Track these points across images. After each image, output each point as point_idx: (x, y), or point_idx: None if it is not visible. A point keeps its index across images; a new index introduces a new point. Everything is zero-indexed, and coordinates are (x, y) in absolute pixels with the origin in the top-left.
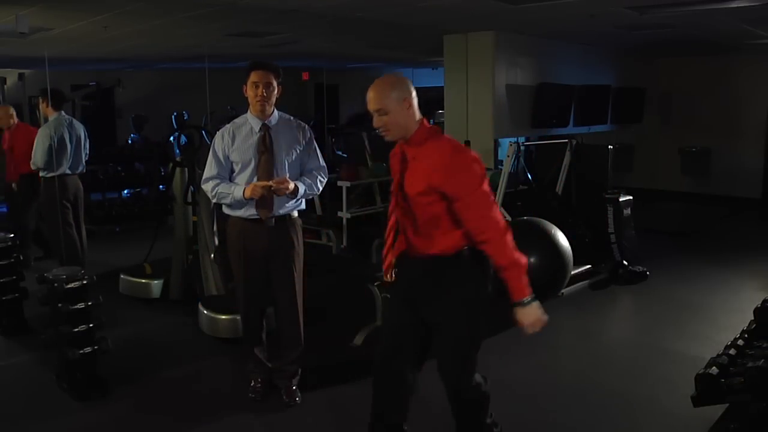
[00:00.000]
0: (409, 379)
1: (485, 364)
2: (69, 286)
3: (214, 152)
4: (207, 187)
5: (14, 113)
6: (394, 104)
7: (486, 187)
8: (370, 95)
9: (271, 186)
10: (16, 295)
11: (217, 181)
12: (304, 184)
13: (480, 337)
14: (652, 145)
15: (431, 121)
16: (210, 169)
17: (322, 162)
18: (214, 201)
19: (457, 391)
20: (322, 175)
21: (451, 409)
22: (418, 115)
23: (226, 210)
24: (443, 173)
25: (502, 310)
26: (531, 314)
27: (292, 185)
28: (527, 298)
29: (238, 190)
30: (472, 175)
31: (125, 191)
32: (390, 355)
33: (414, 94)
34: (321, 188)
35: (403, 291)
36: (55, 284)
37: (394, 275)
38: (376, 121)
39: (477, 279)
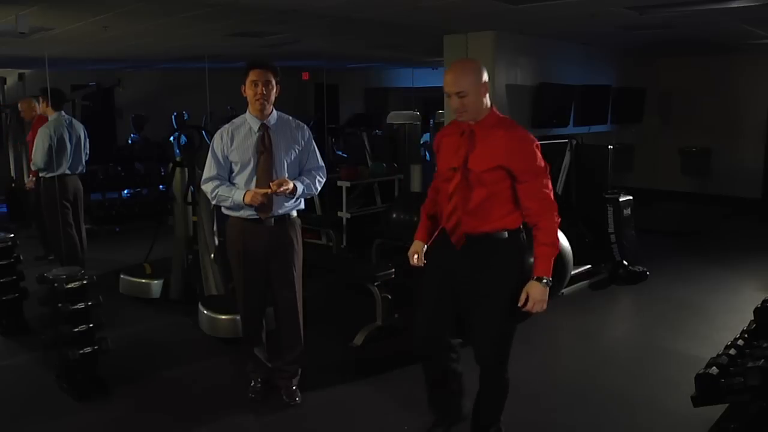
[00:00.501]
0: (449, 343)
1: None
2: (69, 286)
3: (213, 153)
4: (206, 188)
5: (36, 106)
6: (474, 87)
7: (547, 173)
8: (450, 78)
9: (269, 192)
10: (16, 295)
11: (217, 182)
12: (302, 183)
13: (517, 316)
14: (652, 145)
15: (431, 121)
16: (209, 169)
17: (320, 162)
18: (213, 203)
19: (492, 371)
20: (321, 174)
21: (477, 398)
22: (488, 99)
23: (225, 210)
24: (514, 156)
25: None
26: (542, 293)
27: (291, 185)
28: (546, 279)
29: (237, 194)
30: (539, 162)
31: (125, 191)
32: (429, 326)
33: (488, 79)
34: (320, 188)
35: (443, 267)
36: (55, 284)
37: (424, 259)
38: (455, 103)
39: (520, 259)
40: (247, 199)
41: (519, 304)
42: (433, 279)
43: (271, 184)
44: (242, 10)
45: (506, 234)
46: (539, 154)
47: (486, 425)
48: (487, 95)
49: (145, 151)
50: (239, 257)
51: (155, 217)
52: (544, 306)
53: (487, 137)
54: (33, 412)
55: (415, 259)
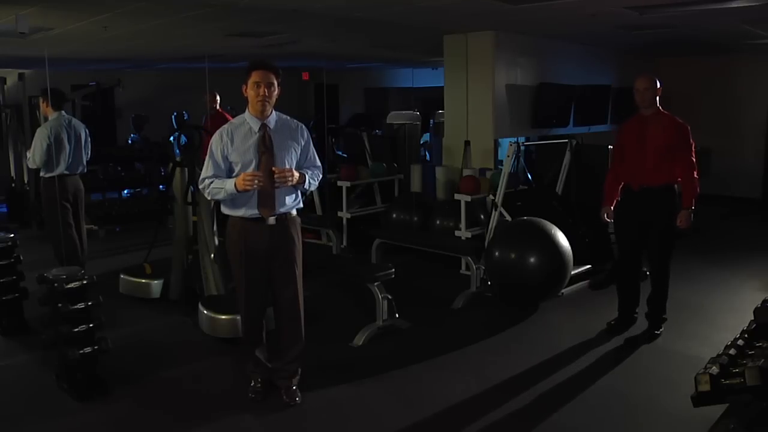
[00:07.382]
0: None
1: (486, 364)
2: (69, 286)
3: (212, 153)
4: (203, 186)
5: (218, 99)
6: (653, 92)
7: (693, 147)
8: (639, 85)
9: (260, 176)
10: (16, 295)
11: (212, 179)
12: (306, 174)
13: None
14: None
15: (431, 121)
16: (207, 169)
17: (318, 162)
18: (209, 198)
19: (662, 265)
20: (318, 172)
21: (652, 278)
22: (658, 100)
23: (225, 210)
24: (676, 134)
25: None
26: (688, 216)
27: (297, 174)
28: (691, 207)
29: (229, 183)
30: (690, 136)
31: (125, 191)
32: (630, 257)
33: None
34: (317, 183)
35: (636, 207)
36: (55, 284)
37: (613, 211)
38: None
39: (675, 200)
40: (240, 185)
41: (677, 223)
42: (629, 217)
43: (273, 168)
44: (242, 10)
45: (670, 183)
46: (689, 134)
47: (658, 312)
48: (658, 97)
49: (145, 151)
50: (240, 257)
51: (155, 217)
52: (688, 225)
53: (656, 123)
54: (33, 412)
55: (607, 217)
